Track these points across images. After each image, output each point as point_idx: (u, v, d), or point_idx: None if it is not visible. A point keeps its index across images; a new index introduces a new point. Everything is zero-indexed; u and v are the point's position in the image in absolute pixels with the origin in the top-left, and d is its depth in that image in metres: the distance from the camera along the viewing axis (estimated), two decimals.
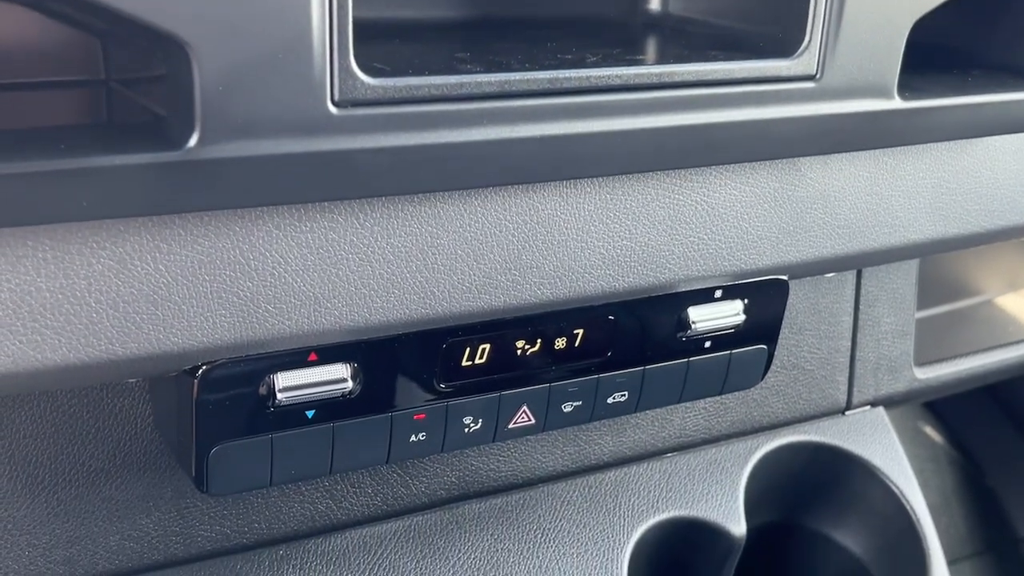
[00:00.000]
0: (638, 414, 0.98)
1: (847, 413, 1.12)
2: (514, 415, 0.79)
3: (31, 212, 0.54)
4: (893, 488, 1.08)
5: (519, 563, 0.89)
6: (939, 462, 1.68)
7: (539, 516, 0.93)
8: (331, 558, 0.84)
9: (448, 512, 0.90)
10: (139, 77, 0.63)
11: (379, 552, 0.86)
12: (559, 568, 0.90)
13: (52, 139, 0.55)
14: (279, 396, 0.69)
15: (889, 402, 1.15)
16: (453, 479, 0.91)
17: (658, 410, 0.99)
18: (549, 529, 0.92)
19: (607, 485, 0.97)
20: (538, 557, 0.90)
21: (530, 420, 0.80)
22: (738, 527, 0.98)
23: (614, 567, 0.92)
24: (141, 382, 0.76)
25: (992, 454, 1.72)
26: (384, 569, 0.85)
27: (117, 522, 0.78)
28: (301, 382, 0.69)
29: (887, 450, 1.10)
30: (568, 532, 0.93)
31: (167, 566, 0.81)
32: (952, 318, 1.39)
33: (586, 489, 0.96)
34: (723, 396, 1.01)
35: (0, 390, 0.61)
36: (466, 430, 0.78)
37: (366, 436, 0.73)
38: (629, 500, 0.96)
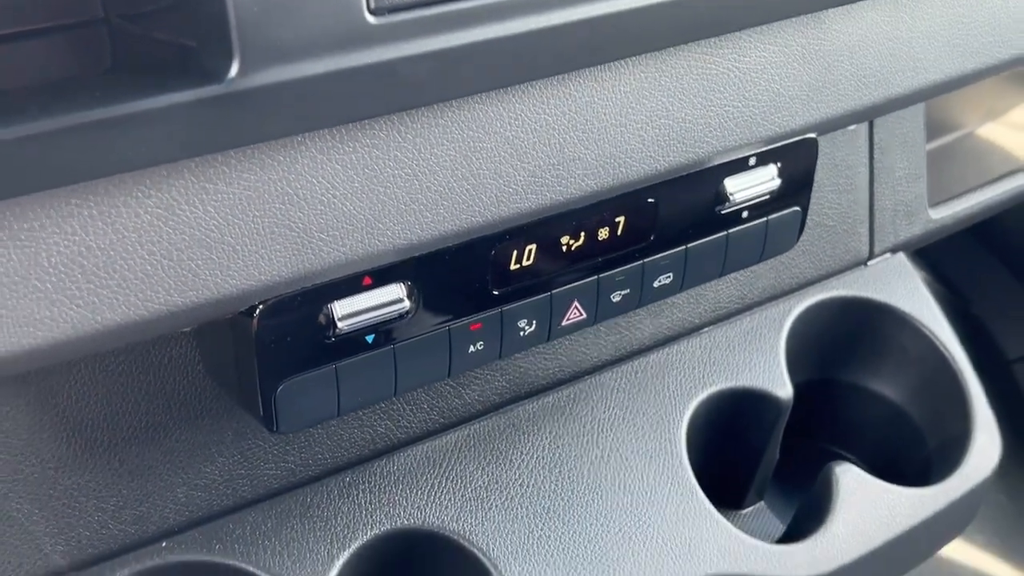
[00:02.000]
0: None
1: (869, 264, 1.11)
2: (566, 312, 0.78)
3: (76, 169, 0.51)
4: (924, 331, 1.08)
5: (581, 456, 0.89)
6: None
7: (592, 408, 0.92)
8: (398, 477, 0.84)
9: (503, 416, 0.90)
10: (146, 10, 0.59)
11: (444, 464, 0.85)
12: (620, 455, 0.90)
13: (78, 89, 0.52)
14: (339, 324, 0.67)
15: (907, 247, 1.15)
16: (504, 383, 0.90)
17: None
18: (604, 419, 0.92)
19: (652, 368, 0.96)
20: (599, 447, 0.90)
21: (582, 315, 0.79)
22: (784, 390, 0.99)
23: (672, 447, 0.92)
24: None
25: (973, 282, 1.74)
26: (451, 480, 0.85)
27: (182, 473, 0.77)
28: (360, 307, 0.67)
29: (913, 294, 1.10)
30: (622, 419, 0.92)
31: (236, 509, 0.80)
32: (939, 155, 1.39)
33: (632, 375, 0.95)
34: None
35: (61, 357, 0.58)
36: (521, 333, 0.76)
37: (427, 353, 0.72)
38: (676, 379, 0.96)
